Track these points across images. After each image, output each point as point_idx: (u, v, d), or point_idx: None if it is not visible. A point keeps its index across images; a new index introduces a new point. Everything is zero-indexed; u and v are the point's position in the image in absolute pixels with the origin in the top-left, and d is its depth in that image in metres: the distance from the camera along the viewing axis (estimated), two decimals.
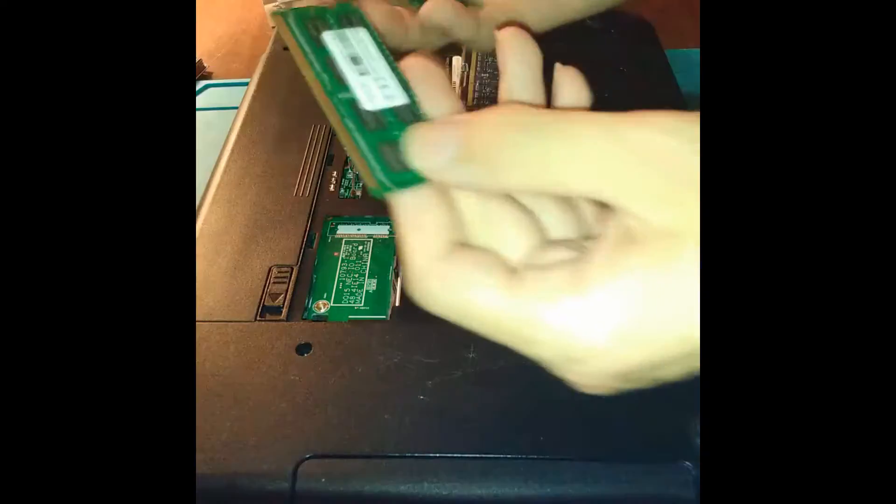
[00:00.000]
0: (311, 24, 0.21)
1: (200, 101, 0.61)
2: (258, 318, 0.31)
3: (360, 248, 0.36)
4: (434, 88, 0.21)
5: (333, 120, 0.20)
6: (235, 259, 0.34)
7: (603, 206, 0.20)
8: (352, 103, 0.20)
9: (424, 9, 0.33)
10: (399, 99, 0.21)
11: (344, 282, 0.34)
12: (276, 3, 0.69)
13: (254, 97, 0.46)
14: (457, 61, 0.49)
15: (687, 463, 0.25)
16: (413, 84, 0.21)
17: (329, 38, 0.21)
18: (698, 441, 0.26)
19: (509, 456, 0.26)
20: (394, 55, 0.22)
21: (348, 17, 0.22)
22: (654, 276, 0.17)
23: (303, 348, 0.30)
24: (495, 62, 0.24)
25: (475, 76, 0.47)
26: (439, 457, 0.26)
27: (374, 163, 0.19)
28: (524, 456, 0.26)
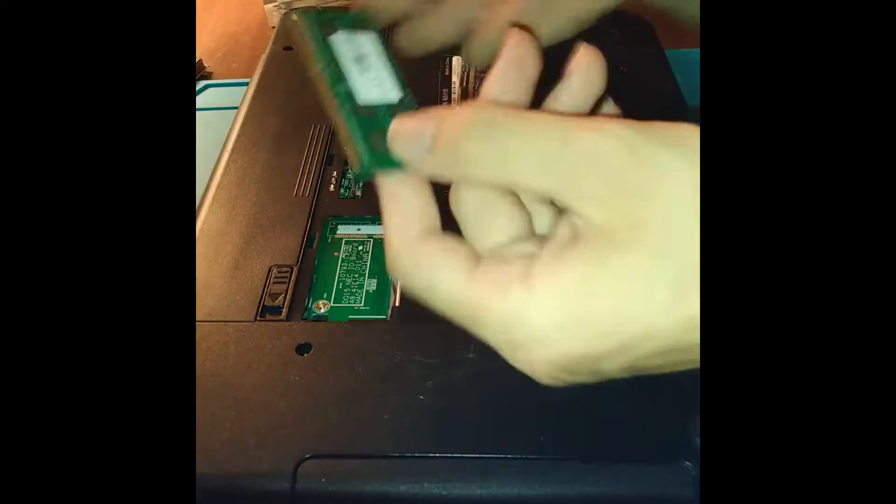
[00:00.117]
0: (326, 24, 0.24)
1: (200, 101, 0.61)
2: (258, 318, 0.31)
3: (360, 248, 0.36)
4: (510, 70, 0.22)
5: (332, 109, 0.22)
6: (235, 259, 0.34)
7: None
8: (349, 95, 0.22)
9: None
10: (394, 95, 0.23)
11: (344, 282, 0.34)
12: (276, 3, 0.69)
13: (254, 97, 0.46)
14: (457, 61, 0.49)
15: (687, 463, 0.25)
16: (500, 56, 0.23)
17: (339, 38, 0.23)
18: (698, 441, 0.26)
19: (509, 456, 0.26)
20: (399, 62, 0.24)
21: (361, 23, 0.24)
22: (590, 272, 0.18)
23: (303, 348, 0.30)
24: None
25: (475, 76, 0.47)
26: (439, 457, 0.26)
27: (361, 147, 0.21)
28: (524, 456, 0.26)
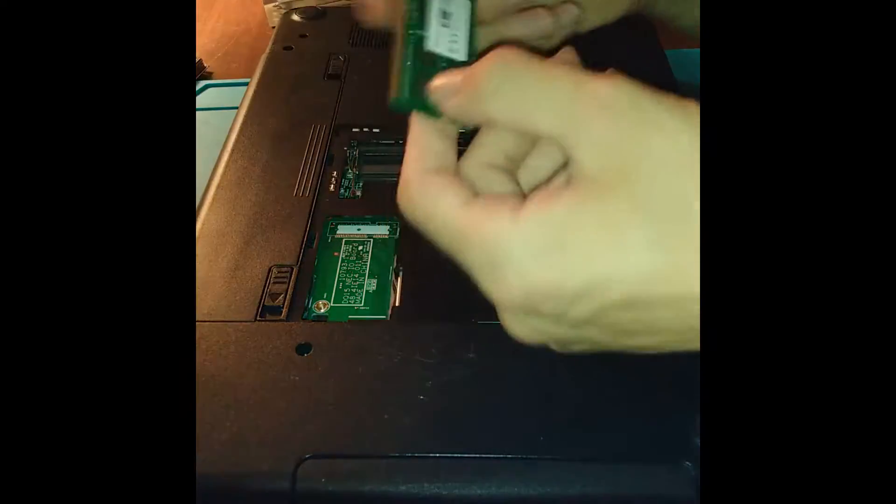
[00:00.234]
0: None
1: (200, 101, 0.61)
2: (258, 318, 0.31)
3: (360, 248, 0.36)
4: None
5: (398, 45, 0.24)
6: (235, 259, 0.34)
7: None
8: (420, 38, 0.24)
9: None
10: (459, 56, 0.25)
11: (344, 282, 0.34)
12: (276, 3, 0.69)
13: (254, 97, 0.46)
14: None
15: (687, 463, 0.25)
16: None
17: None
18: (698, 441, 0.26)
19: (509, 456, 0.26)
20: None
21: None
22: (572, 211, 0.20)
23: (303, 348, 0.30)
24: None
25: None
26: (439, 457, 0.26)
27: (406, 81, 0.23)
28: (524, 456, 0.26)
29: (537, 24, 0.33)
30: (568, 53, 0.24)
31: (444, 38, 0.25)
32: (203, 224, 0.36)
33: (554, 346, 0.25)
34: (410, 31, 0.24)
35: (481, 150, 0.24)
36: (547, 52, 0.27)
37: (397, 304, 0.33)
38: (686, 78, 0.45)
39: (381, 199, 0.39)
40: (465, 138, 0.24)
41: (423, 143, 0.23)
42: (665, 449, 0.26)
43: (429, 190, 0.22)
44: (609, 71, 0.22)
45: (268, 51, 0.51)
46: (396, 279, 0.34)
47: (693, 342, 0.20)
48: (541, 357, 0.29)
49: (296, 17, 0.54)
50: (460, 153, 0.24)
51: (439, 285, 0.33)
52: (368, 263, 0.35)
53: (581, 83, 0.20)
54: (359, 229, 0.37)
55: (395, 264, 0.35)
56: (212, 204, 0.37)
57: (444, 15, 0.25)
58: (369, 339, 0.30)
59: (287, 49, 0.51)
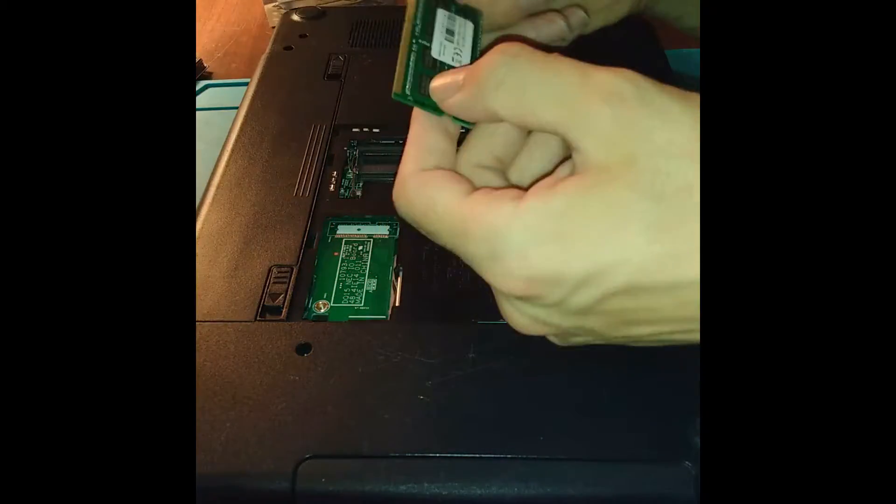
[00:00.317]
0: (437, 1, 0.26)
1: (200, 101, 0.61)
2: (258, 318, 0.31)
3: (360, 248, 0.36)
4: None
5: (402, 51, 0.24)
6: (235, 259, 0.34)
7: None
8: (424, 49, 0.25)
9: None
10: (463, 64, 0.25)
11: (344, 282, 0.34)
12: (276, 3, 0.69)
13: (254, 97, 0.46)
14: None
15: (687, 463, 0.25)
16: None
17: (443, 12, 0.26)
18: (698, 441, 0.26)
19: (509, 456, 0.26)
20: None
21: (469, 13, 0.27)
22: (576, 199, 0.20)
23: (303, 348, 0.30)
24: None
25: None
26: (439, 457, 0.26)
27: (408, 77, 0.24)
28: (524, 456, 0.26)
29: (551, 29, 0.34)
30: None
31: (448, 51, 0.25)
32: (203, 224, 0.36)
33: (554, 339, 0.25)
34: (415, 38, 0.25)
35: (471, 152, 0.24)
36: None
37: (397, 304, 0.33)
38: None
39: (381, 199, 0.39)
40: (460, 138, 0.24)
41: (423, 141, 0.23)
42: (665, 449, 0.26)
43: (427, 185, 0.22)
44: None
45: (268, 51, 0.51)
46: (396, 279, 0.34)
47: (693, 333, 0.20)
48: (541, 357, 0.29)
49: (296, 17, 0.54)
50: None
51: (439, 285, 0.33)
52: (368, 263, 0.35)
53: (586, 73, 0.20)
54: (359, 229, 0.37)
55: (395, 264, 0.35)
56: (212, 204, 0.37)
57: (449, 32, 0.26)
58: (369, 339, 0.30)
59: (287, 49, 0.51)
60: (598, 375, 0.28)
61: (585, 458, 0.26)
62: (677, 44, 0.55)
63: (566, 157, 0.23)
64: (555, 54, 0.22)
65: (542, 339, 0.26)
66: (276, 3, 0.69)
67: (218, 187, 0.38)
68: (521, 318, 0.23)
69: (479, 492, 0.25)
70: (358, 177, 0.40)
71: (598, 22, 0.37)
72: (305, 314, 0.32)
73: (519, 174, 0.24)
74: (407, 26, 0.25)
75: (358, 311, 0.33)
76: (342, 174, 0.40)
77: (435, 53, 0.25)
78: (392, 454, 0.26)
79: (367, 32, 0.52)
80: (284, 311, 0.32)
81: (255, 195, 0.38)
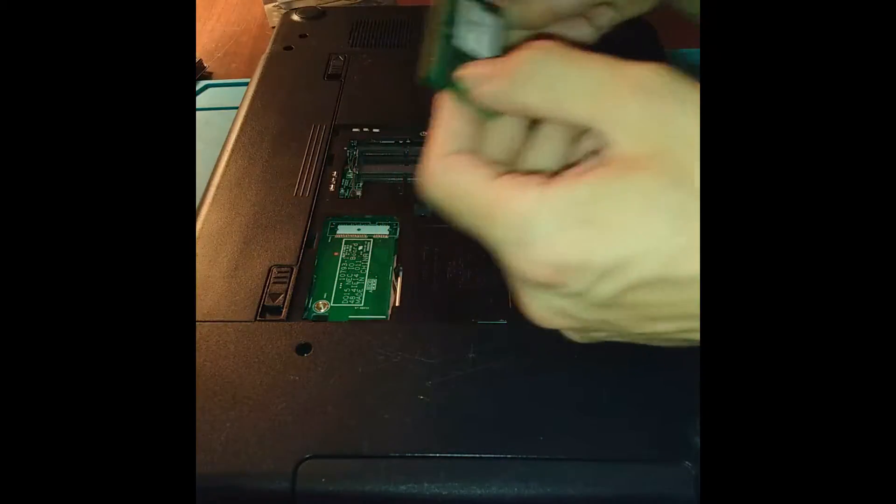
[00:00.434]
0: None
1: (200, 101, 0.61)
2: (258, 318, 0.31)
3: (360, 248, 0.36)
4: None
5: (431, 37, 0.24)
6: (235, 259, 0.34)
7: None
8: (451, 37, 0.25)
9: None
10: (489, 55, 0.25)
11: (344, 282, 0.34)
12: (276, 3, 0.69)
13: (254, 97, 0.46)
14: None
15: (687, 463, 0.25)
16: None
17: (469, 6, 0.26)
18: (698, 441, 0.26)
19: (509, 456, 0.26)
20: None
21: (497, 11, 0.27)
22: (602, 187, 0.20)
23: (303, 348, 0.30)
24: None
25: None
26: (439, 457, 0.26)
27: (437, 60, 0.24)
28: (524, 456, 0.26)
29: (578, 32, 0.34)
30: None
31: (470, 40, 0.25)
32: (203, 224, 0.36)
33: (572, 334, 0.24)
34: (444, 28, 0.25)
35: (483, 144, 0.24)
36: None
37: (397, 304, 0.33)
38: None
39: (381, 199, 0.39)
40: None
41: (451, 125, 0.23)
42: (665, 449, 0.26)
43: (453, 168, 0.22)
44: None
45: (268, 51, 0.51)
46: (396, 279, 0.34)
47: None
48: (541, 357, 0.29)
49: (296, 17, 0.54)
50: None
51: (439, 285, 0.33)
52: (368, 263, 0.35)
53: (616, 67, 0.21)
54: (359, 229, 0.37)
55: (395, 264, 0.35)
56: (212, 204, 0.37)
57: (474, 24, 0.26)
58: (369, 339, 0.30)
59: (287, 49, 0.51)
60: (598, 375, 0.28)
61: (585, 458, 0.26)
62: (677, 44, 0.55)
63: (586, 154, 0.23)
64: (584, 51, 0.22)
65: (541, 340, 0.26)
66: (276, 3, 0.69)
67: (218, 187, 0.38)
68: (542, 309, 0.23)
69: (479, 492, 0.25)
70: (358, 177, 0.40)
71: (627, 14, 0.37)
72: (305, 314, 0.32)
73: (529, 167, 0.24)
74: (435, 14, 0.25)
75: (358, 311, 0.33)
76: (342, 174, 0.40)
77: (461, 43, 0.25)
78: (392, 454, 0.26)
79: (367, 32, 0.52)
80: (284, 311, 0.32)
81: (255, 195, 0.38)
